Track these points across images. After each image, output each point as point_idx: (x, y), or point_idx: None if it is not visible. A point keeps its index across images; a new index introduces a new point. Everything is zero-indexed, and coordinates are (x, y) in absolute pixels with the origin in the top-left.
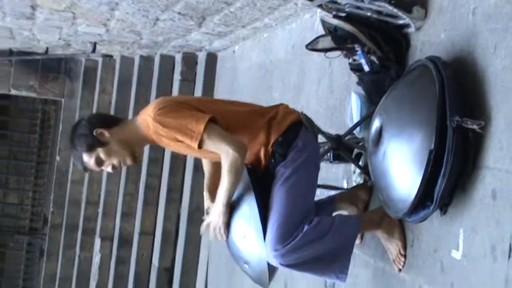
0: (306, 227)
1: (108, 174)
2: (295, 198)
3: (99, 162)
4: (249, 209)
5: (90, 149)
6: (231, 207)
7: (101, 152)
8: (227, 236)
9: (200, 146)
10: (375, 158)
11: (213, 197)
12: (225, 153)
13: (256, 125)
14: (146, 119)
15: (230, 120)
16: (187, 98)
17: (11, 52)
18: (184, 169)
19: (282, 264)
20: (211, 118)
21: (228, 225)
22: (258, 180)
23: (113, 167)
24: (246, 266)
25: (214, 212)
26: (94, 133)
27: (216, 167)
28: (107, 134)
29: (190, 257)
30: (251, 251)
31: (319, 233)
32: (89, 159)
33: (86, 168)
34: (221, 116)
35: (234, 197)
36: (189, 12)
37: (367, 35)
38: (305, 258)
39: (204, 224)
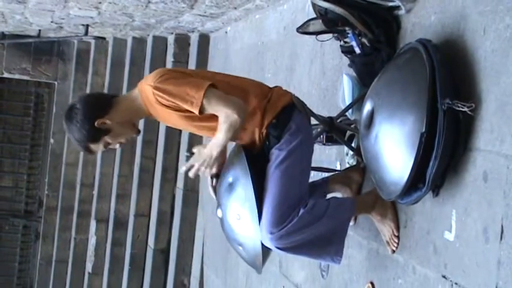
0: (301, 211)
1: (103, 156)
2: (290, 180)
3: (107, 145)
4: (244, 191)
5: (97, 140)
6: (226, 188)
7: (107, 139)
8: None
9: (201, 111)
10: (367, 141)
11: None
12: (224, 114)
13: (251, 102)
14: (145, 89)
15: (228, 91)
16: (186, 69)
17: (3, 35)
18: (178, 149)
19: (277, 247)
20: (211, 84)
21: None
22: (255, 162)
23: (120, 144)
24: (240, 248)
25: (206, 154)
26: (96, 125)
27: None
28: (108, 122)
29: (185, 238)
30: (246, 233)
31: (314, 216)
32: (97, 147)
33: (91, 153)
34: (221, 86)
35: (230, 179)
36: None
37: (357, 17)
38: (300, 241)
39: (188, 163)
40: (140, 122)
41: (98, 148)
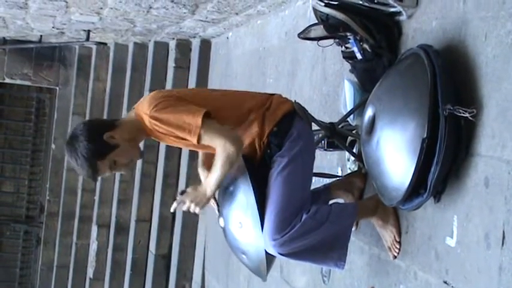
0: (304, 216)
1: None
2: (292, 187)
3: (112, 166)
4: (245, 198)
5: (104, 156)
6: (227, 196)
7: (114, 156)
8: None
9: (199, 141)
10: (368, 146)
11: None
12: (221, 147)
13: (250, 116)
14: (142, 116)
15: (224, 112)
16: (181, 91)
17: (4, 41)
18: (180, 154)
19: (280, 254)
20: (206, 112)
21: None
22: (255, 170)
23: (125, 167)
24: (243, 256)
25: (200, 193)
26: (104, 138)
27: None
28: (116, 136)
29: (187, 243)
30: (248, 241)
31: (317, 222)
32: (103, 166)
33: (96, 177)
34: (216, 109)
35: (231, 187)
36: (182, 0)
37: (359, 23)
38: (303, 247)
39: (179, 200)
40: None
41: (105, 168)
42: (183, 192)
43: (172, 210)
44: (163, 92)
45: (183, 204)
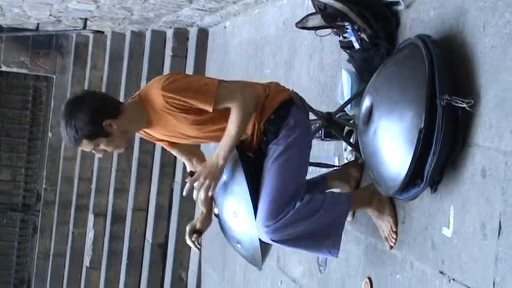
0: (297, 204)
1: None
2: (287, 174)
3: (96, 148)
4: (239, 187)
5: (94, 138)
6: (222, 186)
7: (102, 142)
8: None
9: (216, 104)
10: (365, 136)
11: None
12: (238, 105)
13: None
14: (151, 95)
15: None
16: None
17: (1, 29)
18: None
19: (273, 240)
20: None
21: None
22: (249, 159)
23: (104, 152)
24: (238, 245)
25: (212, 166)
26: (103, 124)
27: (195, 153)
28: (114, 126)
29: (183, 232)
30: (243, 230)
31: (310, 209)
32: (87, 145)
33: (76, 147)
34: None
35: (226, 176)
36: None
37: (356, 12)
38: (296, 234)
39: (192, 179)
40: None
41: (88, 147)
42: (191, 174)
43: (185, 193)
44: (171, 73)
45: (198, 184)
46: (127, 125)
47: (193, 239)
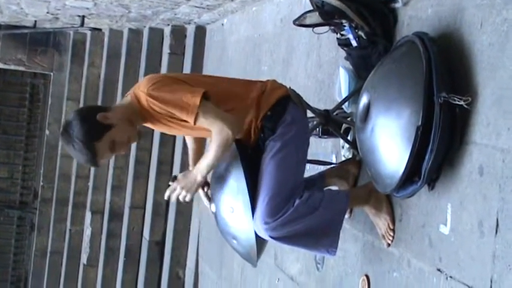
0: (296, 201)
1: None
2: (285, 172)
3: (111, 146)
4: (236, 183)
5: (100, 136)
6: (219, 181)
7: (111, 136)
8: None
9: (195, 121)
10: (362, 134)
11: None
12: (218, 130)
13: (245, 101)
14: (139, 95)
15: (220, 96)
16: (179, 74)
17: None
18: (174, 141)
19: (271, 237)
20: (204, 93)
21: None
22: (247, 155)
23: (125, 146)
24: (234, 241)
25: (191, 178)
26: (98, 118)
27: (199, 143)
28: (110, 115)
29: (181, 230)
30: (239, 225)
31: (309, 207)
32: (103, 147)
33: (97, 161)
34: (212, 92)
35: (222, 171)
36: None
37: (354, 10)
38: (295, 231)
39: (172, 187)
40: None
41: (104, 149)
42: (174, 178)
43: (166, 197)
44: (160, 74)
45: (174, 191)
46: (121, 115)
47: (205, 190)
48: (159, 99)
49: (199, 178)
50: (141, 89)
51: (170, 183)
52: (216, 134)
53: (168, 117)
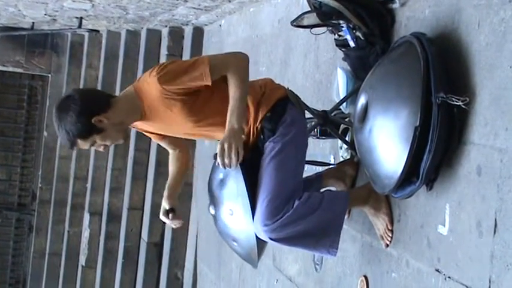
0: (296, 203)
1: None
2: (284, 173)
3: (93, 144)
4: (236, 185)
5: (87, 137)
6: (218, 184)
7: (97, 138)
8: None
9: (211, 73)
10: (360, 134)
11: (171, 198)
12: (234, 63)
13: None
14: (147, 84)
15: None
16: None
17: None
18: None
19: (271, 239)
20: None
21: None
22: (246, 157)
23: (104, 147)
24: (234, 243)
25: (229, 135)
26: (93, 121)
27: (185, 164)
28: (105, 121)
29: (179, 231)
30: (239, 227)
31: (309, 208)
32: (83, 144)
33: (74, 148)
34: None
35: (222, 174)
36: None
37: (352, 11)
38: (295, 233)
39: (219, 153)
40: None
41: (85, 146)
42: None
43: (221, 166)
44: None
45: (226, 152)
46: (119, 117)
47: (170, 218)
48: (170, 74)
49: (236, 125)
50: (151, 76)
51: (216, 160)
52: (233, 73)
53: (182, 96)
